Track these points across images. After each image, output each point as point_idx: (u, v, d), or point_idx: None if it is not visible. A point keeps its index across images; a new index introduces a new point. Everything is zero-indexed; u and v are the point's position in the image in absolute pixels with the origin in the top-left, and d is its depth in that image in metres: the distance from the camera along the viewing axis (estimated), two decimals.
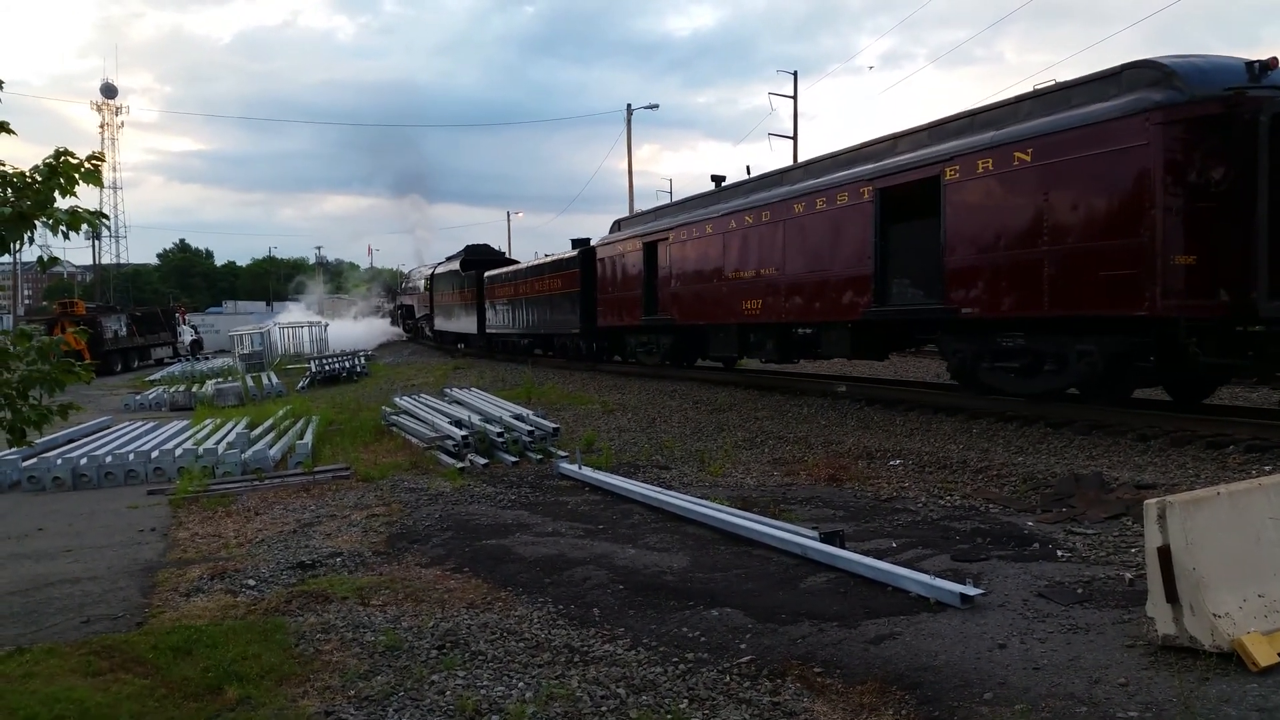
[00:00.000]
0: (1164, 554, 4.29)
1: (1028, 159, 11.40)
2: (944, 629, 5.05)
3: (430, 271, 47.02)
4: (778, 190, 17.12)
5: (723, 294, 18.67)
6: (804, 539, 6.79)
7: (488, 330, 36.05)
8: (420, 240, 74.13)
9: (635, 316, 23.10)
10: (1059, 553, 6.49)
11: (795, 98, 41.48)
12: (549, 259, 30.11)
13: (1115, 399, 11.53)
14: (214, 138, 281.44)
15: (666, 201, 23.13)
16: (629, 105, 44.47)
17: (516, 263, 36.74)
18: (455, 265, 41.05)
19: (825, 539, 6.67)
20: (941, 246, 12.74)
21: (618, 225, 25.78)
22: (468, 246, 43.02)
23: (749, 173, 19.70)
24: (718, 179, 21.78)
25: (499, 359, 33.42)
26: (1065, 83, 11.58)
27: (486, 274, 36.05)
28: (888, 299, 14.20)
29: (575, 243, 28.92)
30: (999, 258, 11.88)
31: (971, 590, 5.43)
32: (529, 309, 30.73)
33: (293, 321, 48.29)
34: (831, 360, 19.04)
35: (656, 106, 46.35)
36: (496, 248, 46.44)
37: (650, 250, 22.16)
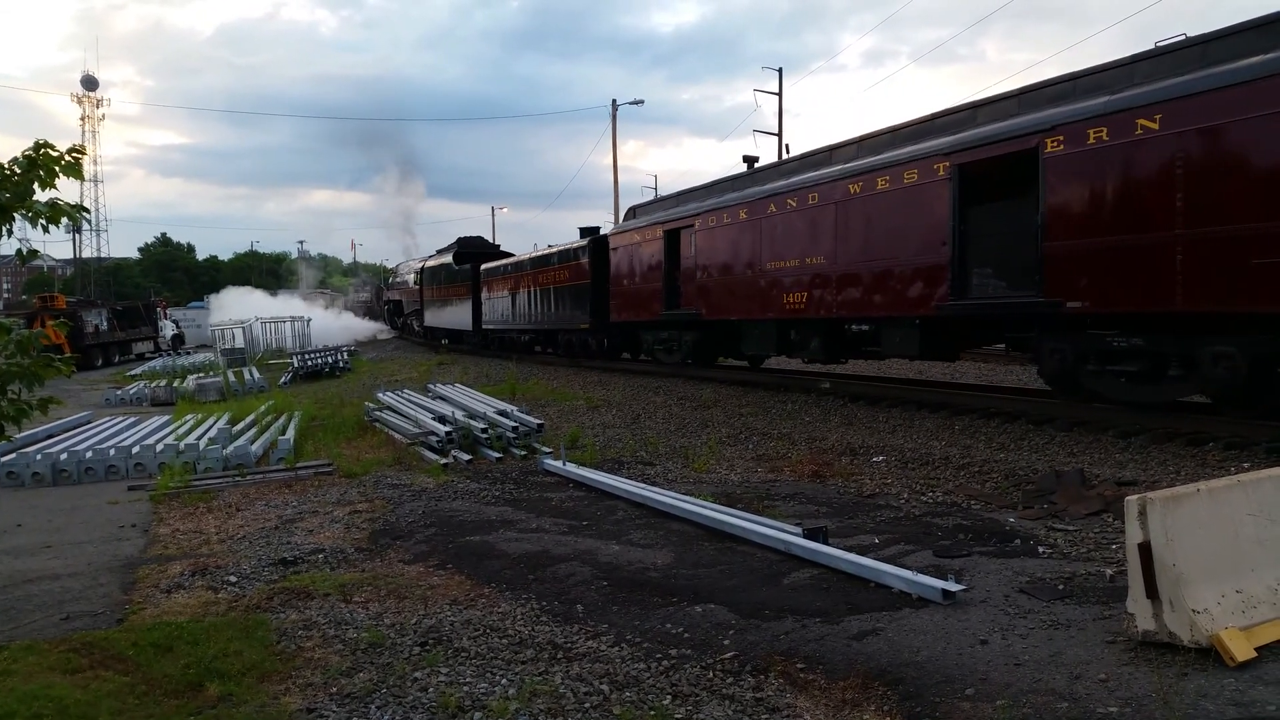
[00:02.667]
0: (1144, 550, 4.32)
1: (1155, 126, 9.74)
2: (926, 625, 5.07)
3: (420, 265, 45.41)
4: (827, 170, 15.23)
5: (759, 286, 16.84)
6: (787, 535, 6.81)
7: (484, 326, 34.38)
8: (408, 233, 72.40)
9: (654, 311, 21.15)
10: (1040, 549, 6.53)
11: (780, 94, 41.45)
12: (555, 249, 28.04)
13: (1256, 410, 9.91)
14: (196, 131, 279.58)
15: (687, 187, 21.25)
16: (614, 101, 44.20)
17: (511, 256, 34.54)
18: (448, 258, 39.42)
19: (808, 535, 6.68)
20: (1039, 230, 11.13)
21: (633, 212, 23.91)
22: (460, 239, 41.53)
23: (788, 152, 17.83)
24: (750, 159, 19.72)
25: (484, 355, 33.10)
26: (1199, 37, 9.91)
27: (483, 266, 34.42)
28: (967, 291, 12.48)
29: (584, 231, 27.38)
30: (1116, 243, 10.20)
31: (953, 586, 5.45)
32: (531, 303, 28.96)
33: (274, 315, 47.75)
34: (886, 360, 17.55)
35: (642, 102, 45.93)
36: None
37: (673, 238, 20.37)
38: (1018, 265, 11.85)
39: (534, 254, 29.98)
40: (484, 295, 34.19)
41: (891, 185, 13.54)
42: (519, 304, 30.27)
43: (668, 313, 20.66)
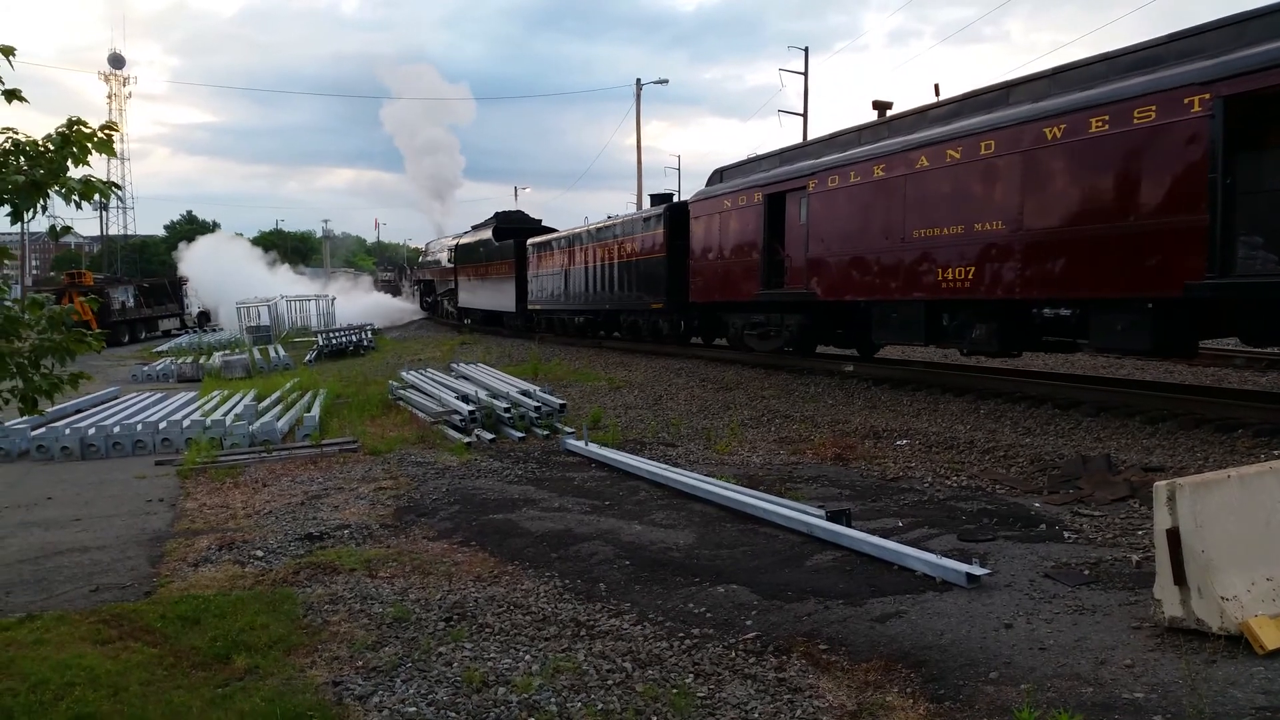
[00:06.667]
0: (1173, 536, 4.28)
1: None
2: (950, 608, 5.06)
3: (454, 242, 42.31)
4: (1006, 111, 12.05)
5: (902, 260, 13.65)
6: (810, 517, 6.80)
7: (530, 306, 31.56)
8: (440, 209, 68.79)
9: (748, 291, 17.84)
10: (1066, 534, 6.49)
11: (806, 74, 41.09)
12: (619, 219, 24.90)
13: None
14: (220, 110, 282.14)
15: (790, 144, 18.24)
16: (638, 80, 43.59)
17: (555, 231, 31.43)
18: (486, 233, 36.49)
19: (831, 517, 6.68)
20: None
21: (720, 175, 20.19)
22: (498, 213, 38.58)
23: (937, 93, 14.46)
24: (881, 105, 16.82)
25: (504, 336, 32.96)
26: None
27: (530, 241, 31.60)
28: (1233, 266, 9.44)
29: (656, 198, 24.71)
30: None
31: (978, 570, 5.43)
32: (589, 281, 25.92)
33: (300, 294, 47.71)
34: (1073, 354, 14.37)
35: (666, 81, 45.63)
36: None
37: (775, 204, 17.00)
38: None
39: (593, 225, 26.71)
40: (530, 273, 31.48)
41: (1113, 127, 10.41)
42: (573, 282, 27.34)
43: (766, 292, 17.35)
